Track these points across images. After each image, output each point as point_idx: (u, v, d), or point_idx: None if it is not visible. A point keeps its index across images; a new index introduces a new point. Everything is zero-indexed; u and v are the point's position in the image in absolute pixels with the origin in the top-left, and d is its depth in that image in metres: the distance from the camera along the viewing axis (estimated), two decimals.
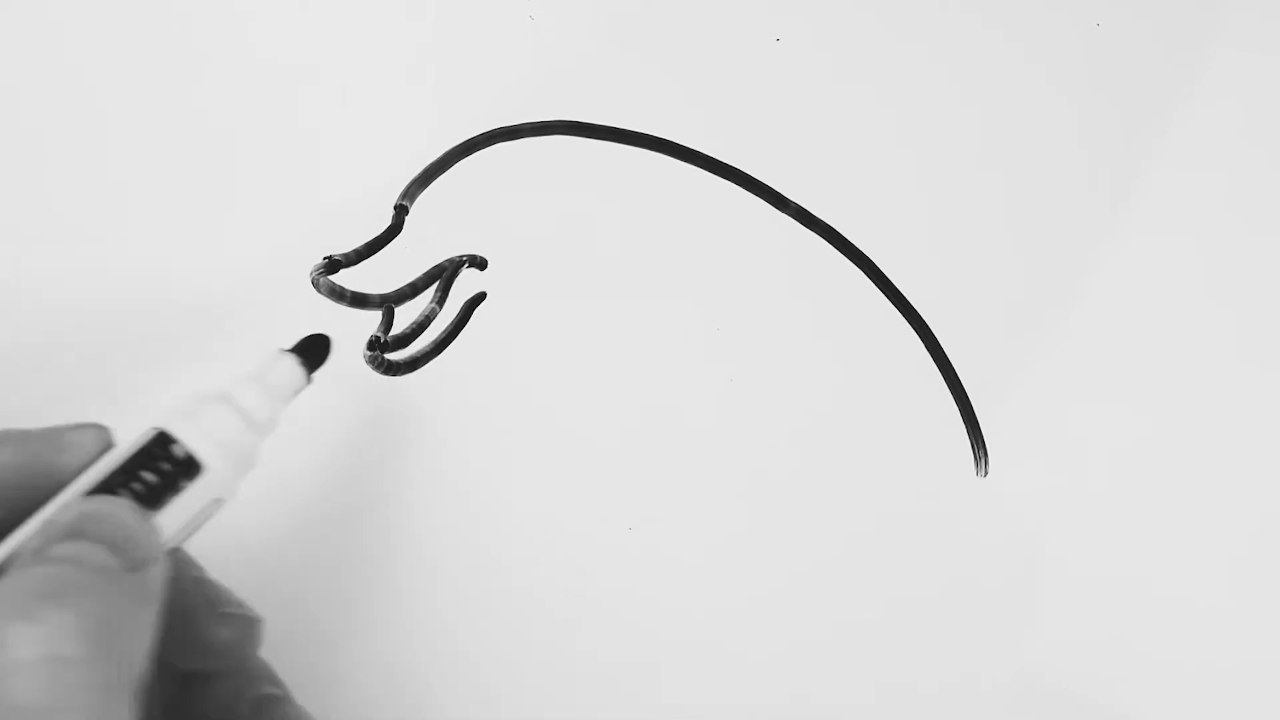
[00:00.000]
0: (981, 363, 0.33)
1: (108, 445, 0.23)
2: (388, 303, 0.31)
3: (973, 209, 0.34)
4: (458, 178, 0.32)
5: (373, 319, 0.31)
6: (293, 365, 0.25)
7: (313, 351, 0.26)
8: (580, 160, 0.33)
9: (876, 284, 0.33)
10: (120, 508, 0.21)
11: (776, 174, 0.33)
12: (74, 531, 0.20)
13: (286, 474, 0.33)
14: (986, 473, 0.33)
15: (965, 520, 0.33)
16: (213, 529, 0.24)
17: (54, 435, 0.22)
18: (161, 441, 0.22)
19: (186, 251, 0.33)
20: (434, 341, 0.31)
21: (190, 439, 0.22)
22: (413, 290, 0.31)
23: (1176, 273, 0.34)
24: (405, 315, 0.31)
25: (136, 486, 0.22)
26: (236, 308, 0.32)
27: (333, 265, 0.30)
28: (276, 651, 0.25)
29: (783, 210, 0.34)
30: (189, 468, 0.22)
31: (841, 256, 0.33)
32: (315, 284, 0.30)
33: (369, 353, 0.30)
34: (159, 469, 0.22)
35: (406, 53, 0.34)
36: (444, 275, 0.32)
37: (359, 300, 0.30)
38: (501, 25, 0.34)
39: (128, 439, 0.22)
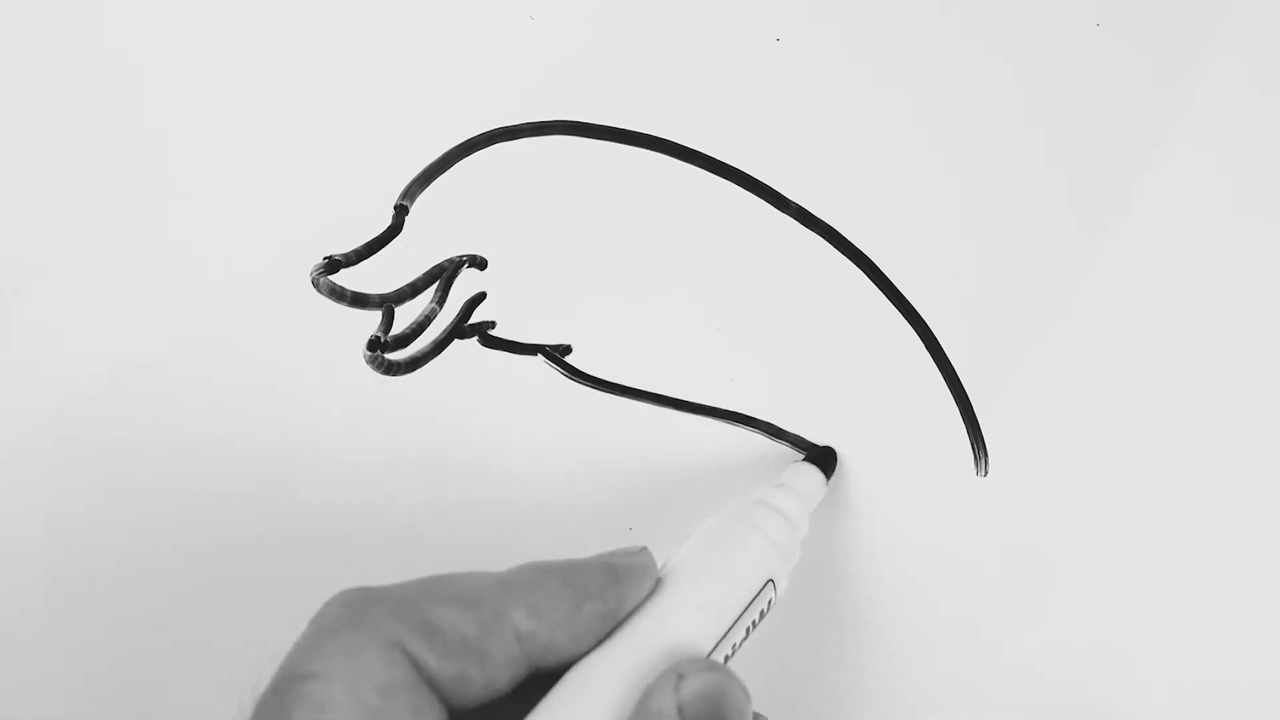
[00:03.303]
0: (981, 363, 0.33)
1: (656, 572, 0.21)
2: (388, 303, 0.31)
3: (973, 208, 0.34)
4: (458, 178, 0.32)
5: (373, 319, 0.31)
6: (818, 475, 0.26)
7: (826, 461, 0.27)
8: (580, 160, 0.33)
9: (876, 284, 0.33)
10: (739, 690, 0.20)
11: (776, 174, 0.33)
12: (716, 713, 0.19)
13: (291, 469, 0.33)
14: (986, 473, 0.33)
15: (965, 520, 0.33)
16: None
17: (611, 563, 0.21)
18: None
19: (186, 251, 0.33)
20: (434, 341, 0.31)
21: (779, 576, 0.22)
22: (413, 290, 0.31)
23: (1180, 272, 0.34)
24: (405, 315, 0.31)
25: (736, 636, 0.21)
26: (236, 307, 0.32)
27: (333, 265, 0.30)
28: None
29: (783, 210, 0.34)
30: (768, 599, 0.22)
31: (841, 256, 0.33)
32: (315, 284, 0.30)
33: (369, 353, 0.30)
34: (762, 614, 0.22)
35: (406, 52, 0.34)
36: (444, 275, 0.32)
37: (359, 300, 0.30)
38: (501, 25, 0.34)
39: (699, 569, 0.21)
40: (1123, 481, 0.33)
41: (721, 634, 0.21)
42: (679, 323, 0.33)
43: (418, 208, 0.32)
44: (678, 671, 0.19)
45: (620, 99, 0.34)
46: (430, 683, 0.19)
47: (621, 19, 0.35)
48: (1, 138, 0.33)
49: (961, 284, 0.34)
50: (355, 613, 0.19)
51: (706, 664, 0.20)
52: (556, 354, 0.32)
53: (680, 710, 0.18)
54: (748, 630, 0.21)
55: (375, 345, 0.30)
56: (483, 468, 0.33)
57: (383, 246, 0.31)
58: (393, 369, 0.30)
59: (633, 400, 0.33)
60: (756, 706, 0.32)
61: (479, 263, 0.32)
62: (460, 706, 0.19)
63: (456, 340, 0.32)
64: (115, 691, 0.34)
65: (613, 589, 0.20)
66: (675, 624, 0.20)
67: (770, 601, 0.22)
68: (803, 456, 0.26)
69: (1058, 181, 0.35)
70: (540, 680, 0.20)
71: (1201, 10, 0.34)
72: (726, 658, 0.21)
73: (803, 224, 0.34)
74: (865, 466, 0.33)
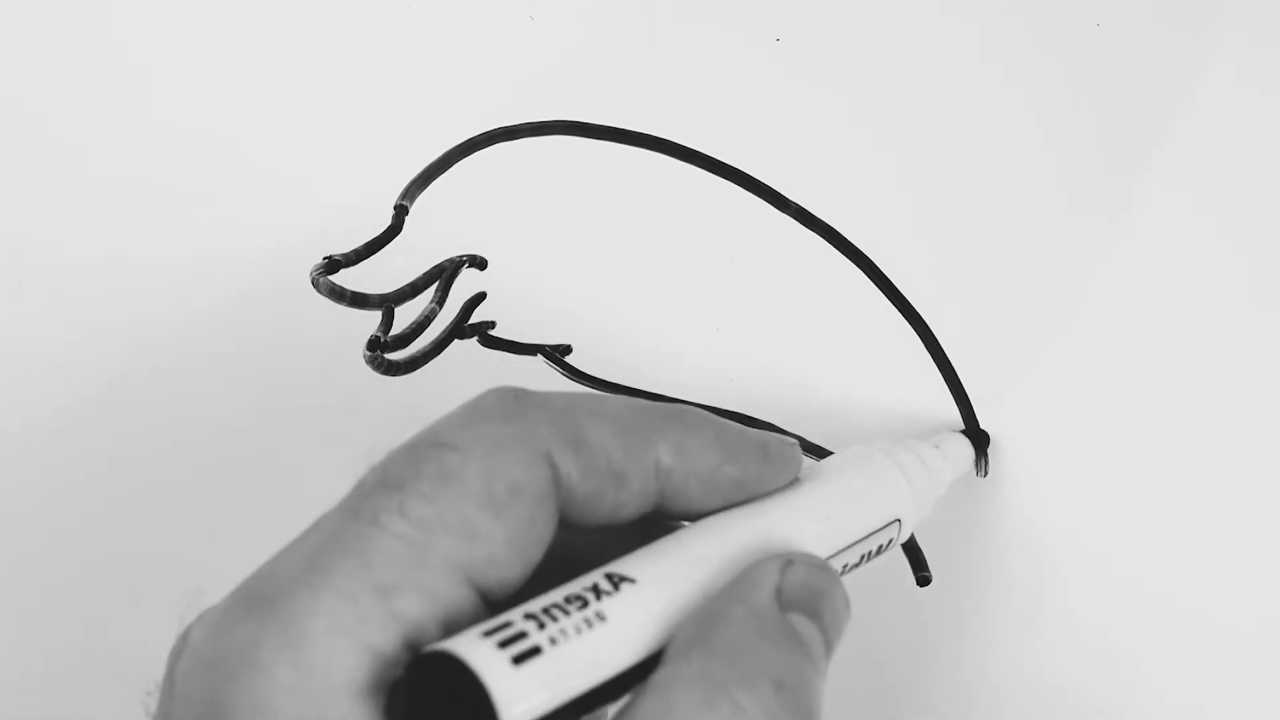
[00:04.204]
0: (981, 363, 0.33)
1: (799, 470, 0.22)
2: (388, 303, 0.31)
3: (974, 209, 0.34)
4: (458, 178, 0.32)
5: (373, 319, 0.31)
6: (969, 449, 0.26)
7: (980, 440, 0.28)
8: (580, 160, 0.33)
9: (876, 284, 0.33)
10: (843, 597, 0.20)
11: (776, 174, 0.34)
12: (811, 606, 0.19)
13: (291, 468, 0.33)
14: (986, 473, 0.33)
15: (966, 521, 0.33)
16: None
17: (765, 442, 0.21)
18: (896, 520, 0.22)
19: (187, 251, 0.33)
20: (434, 341, 0.31)
21: (907, 519, 0.22)
22: (413, 290, 0.31)
23: (1180, 272, 0.34)
24: (405, 315, 0.31)
25: (850, 558, 0.21)
26: (236, 308, 0.32)
27: (332, 265, 0.30)
28: None
29: (783, 210, 0.34)
30: (890, 538, 0.22)
31: (841, 256, 0.33)
32: (315, 284, 0.30)
33: (369, 353, 0.30)
34: (880, 549, 0.22)
35: (406, 53, 0.34)
36: (444, 275, 0.32)
37: (359, 300, 0.30)
38: (501, 25, 0.34)
39: (842, 489, 0.21)
40: (1123, 481, 0.33)
41: (839, 549, 0.21)
42: (679, 323, 0.33)
43: (418, 208, 0.32)
44: (787, 558, 0.19)
45: (620, 99, 0.34)
46: (565, 495, 0.19)
47: (621, 19, 0.35)
48: (2, 137, 0.33)
49: (961, 284, 0.34)
50: (511, 409, 0.19)
51: (821, 562, 0.20)
52: (556, 354, 0.32)
53: (779, 591, 0.18)
54: (862, 558, 0.22)
55: (375, 345, 0.30)
56: None
57: (383, 246, 0.31)
58: (393, 369, 0.30)
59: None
60: None
61: (479, 263, 0.32)
62: (581, 524, 0.19)
63: (456, 340, 0.32)
64: (112, 690, 0.34)
65: (757, 465, 0.20)
66: (799, 522, 0.20)
67: (891, 540, 0.22)
68: (961, 430, 0.27)
69: (1058, 181, 0.35)
70: (652, 528, 0.20)
71: (1201, 10, 0.34)
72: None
73: (803, 224, 0.34)
74: None
